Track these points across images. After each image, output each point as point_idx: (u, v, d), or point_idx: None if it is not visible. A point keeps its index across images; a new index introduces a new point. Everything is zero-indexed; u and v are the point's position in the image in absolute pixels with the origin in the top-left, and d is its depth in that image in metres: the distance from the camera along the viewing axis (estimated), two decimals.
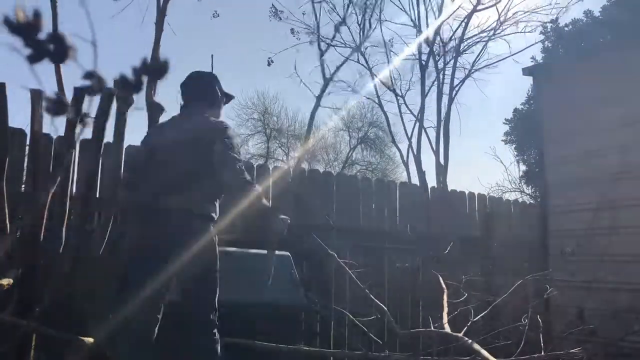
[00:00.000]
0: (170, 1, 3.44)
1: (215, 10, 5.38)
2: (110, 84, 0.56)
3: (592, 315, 4.10)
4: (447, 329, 3.00)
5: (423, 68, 5.56)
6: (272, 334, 3.06)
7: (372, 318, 3.56)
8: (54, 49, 0.46)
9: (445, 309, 3.21)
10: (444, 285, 3.52)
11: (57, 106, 0.50)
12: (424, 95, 5.51)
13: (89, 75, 0.51)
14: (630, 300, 3.76)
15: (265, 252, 2.77)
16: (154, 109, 3.31)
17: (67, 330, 2.80)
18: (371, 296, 3.43)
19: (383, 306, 3.37)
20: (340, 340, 4.34)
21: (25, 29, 0.44)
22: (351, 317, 3.58)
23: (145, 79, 0.52)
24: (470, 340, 2.70)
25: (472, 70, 5.53)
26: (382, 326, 3.53)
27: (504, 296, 3.50)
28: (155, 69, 0.52)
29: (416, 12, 5.57)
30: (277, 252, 3.62)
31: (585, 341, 3.44)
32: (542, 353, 3.01)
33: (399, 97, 5.73)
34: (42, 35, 0.46)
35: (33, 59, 0.47)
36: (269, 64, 5.90)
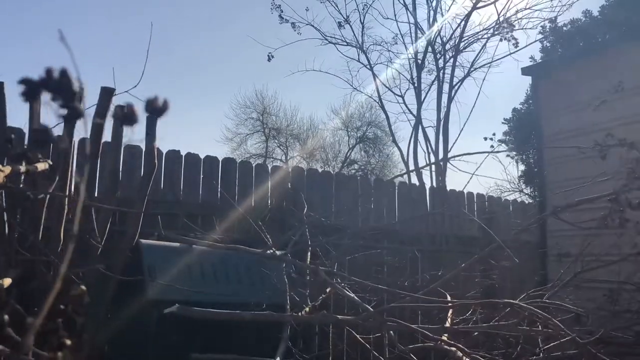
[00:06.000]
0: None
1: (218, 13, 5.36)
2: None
3: (591, 315, 4.09)
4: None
5: (419, 67, 5.56)
6: (263, 334, 3.03)
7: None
8: None
9: (448, 323, 3.20)
10: (447, 298, 3.52)
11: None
12: (420, 93, 5.51)
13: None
14: (629, 300, 3.76)
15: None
16: (154, 108, 3.29)
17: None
18: (370, 308, 3.41)
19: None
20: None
21: None
22: (353, 332, 3.53)
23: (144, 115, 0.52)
24: (470, 351, 2.70)
25: (472, 69, 5.53)
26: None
27: (503, 301, 3.50)
28: (155, 108, 0.52)
29: (416, 10, 5.57)
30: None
31: (583, 341, 3.44)
32: (540, 355, 3.01)
33: (398, 97, 5.73)
34: None
35: None
36: (269, 59, 5.92)
